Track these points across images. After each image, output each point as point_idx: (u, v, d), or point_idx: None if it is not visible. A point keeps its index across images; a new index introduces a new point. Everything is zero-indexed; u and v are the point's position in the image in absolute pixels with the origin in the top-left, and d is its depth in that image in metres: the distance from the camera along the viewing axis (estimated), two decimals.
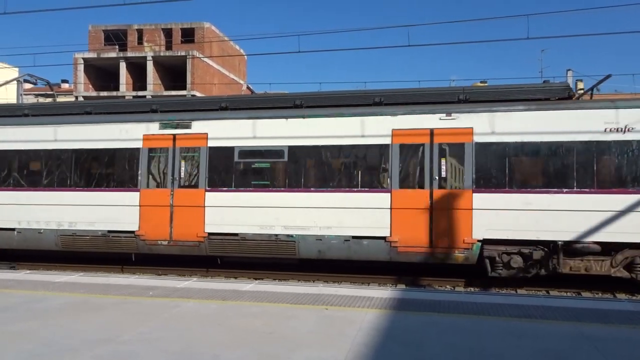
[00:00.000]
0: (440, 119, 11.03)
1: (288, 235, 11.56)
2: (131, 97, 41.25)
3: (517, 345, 5.59)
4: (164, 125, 12.47)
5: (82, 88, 44.63)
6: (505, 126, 10.71)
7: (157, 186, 12.42)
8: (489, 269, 10.90)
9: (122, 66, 44.36)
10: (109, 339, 5.72)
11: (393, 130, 11.25)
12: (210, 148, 12.14)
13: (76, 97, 43.63)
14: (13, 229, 13.06)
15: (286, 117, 11.79)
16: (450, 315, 6.90)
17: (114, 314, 6.89)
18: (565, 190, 10.39)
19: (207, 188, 12.05)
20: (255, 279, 12.21)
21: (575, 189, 10.35)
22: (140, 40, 46.62)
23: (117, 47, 46.55)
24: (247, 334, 5.95)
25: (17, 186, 13.14)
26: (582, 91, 15.29)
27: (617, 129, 10.29)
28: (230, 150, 12.02)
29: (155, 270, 13.16)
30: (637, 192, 10.16)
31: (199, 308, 7.24)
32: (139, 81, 44.98)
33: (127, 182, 12.52)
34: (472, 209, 10.70)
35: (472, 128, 10.87)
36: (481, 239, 10.68)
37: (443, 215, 10.84)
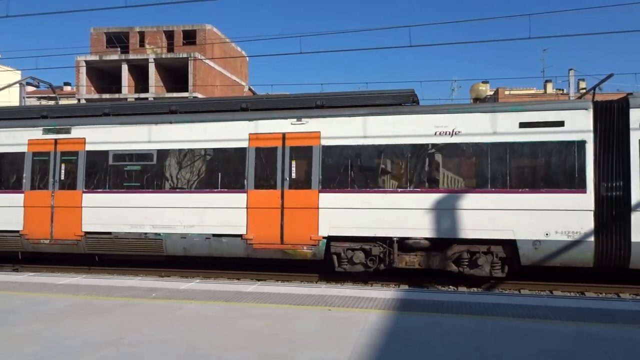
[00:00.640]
0: (292, 124, 11.81)
1: (156, 234, 12.35)
2: (133, 99, 41.32)
3: (521, 345, 5.58)
4: (46, 131, 13.33)
5: (85, 91, 44.71)
6: (348, 130, 11.47)
7: (40, 188, 13.22)
8: (336, 264, 11.68)
9: (124, 68, 44.45)
10: (113, 341, 5.72)
11: (250, 134, 12.02)
12: (88, 152, 12.97)
13: (78, 100, 43.73)
14: None
15: (155, 123, 12.59)
16: (453, 315, 6.89)
17: (118, 315, 6.90)
18: (399, 190, 11.18)
19: (84, 190, 12.88)
20: (258, 280, 12.26)
21: (408, 189, 11.12)
22: (142, 43, 46.70)
23: (119, 49, 46.62)
24: (251, 336, 5.96)
25: None
26: (584, 90, 15.28)
27: (446, 132, 10.98)
28: (105, 154, 12.82)
29: (158, 272, 13.22)
30: (465, 191, 10.89)
31: (202, 309, 7.25)
32: (141, 83, 45.08)
33: (13, 184, 13.34)
34: (318, 208, 11.46)
35: (319, 132, 11.64)
36: (326, 235, 11.44)
37: (293, 214, 11.60)
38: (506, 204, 10.59)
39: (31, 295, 8.26)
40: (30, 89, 25.74)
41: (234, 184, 11.96)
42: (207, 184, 12.11)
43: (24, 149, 13.32)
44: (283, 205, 11.63)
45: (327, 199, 11.42)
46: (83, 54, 44.91)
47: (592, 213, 10.25)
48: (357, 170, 11.37)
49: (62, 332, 6.11)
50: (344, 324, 6.45)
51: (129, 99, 42.12)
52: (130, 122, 12.75)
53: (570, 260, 10.45)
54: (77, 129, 13.06)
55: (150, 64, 43.70)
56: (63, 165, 13.02)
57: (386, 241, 11.26)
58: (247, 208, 11.80)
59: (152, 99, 40.60)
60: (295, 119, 11.77)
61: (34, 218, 13.07)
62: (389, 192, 11.18)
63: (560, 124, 10.50)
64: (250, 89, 54.69)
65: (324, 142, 11.56)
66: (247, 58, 56.04)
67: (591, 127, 10.39)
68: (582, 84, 39.27)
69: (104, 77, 46.87)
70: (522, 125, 10.65)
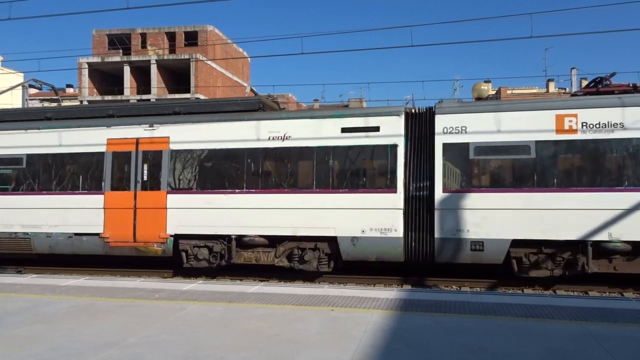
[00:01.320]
0: (145, 130, 12.69)
1: (24, 233, 13.22)
2: (135, 101, 41.38)
3: (524, 344, 5.56)
4: None
5: (87, 92, 44.80)
6: (194, 136, 12.30)
7: None
8: (185, 260, 12.43)
9: (126, 70, 44.48)
10: (115, 343, 5.73)
11: (108, 139, 12.87)
12: None
13: (80, 102, 43.80)
14: None
15: (25, 129, 13.39)
16: (456, 315, 6.88)
17: (120, 317, 6.91)
18: (237, 191, 11.92)
19: None
20: (261, 280, 12.26)
21: (244, 190, 11.87)
22: (144, 44, 46.73)
23: (121, 51, 46.65)
24: (253, 336, 5.95)
25: None
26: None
27: (279, 137, 11.80)
28: None
29: (160, 273, 13.24)
30: (293, 191, 11.57)
31: (204, 310, 7.25)
32: (143, 85, 45.13)
33: None
34: (166, 208, 12.29)
35: (168, 137, 12.48)
36: (174, 234, 12.25)
37: (144, 214, 12.45)
38: (329, 203, 11.41)
39: (34, 297, 8.28)
40: (32, 91, 25.81)
41: (93, 186, 12.82)
42: (70, 186, 12.97)
43: None
44: (136, 206, 12.52)
45: (174, 200, 12.26)
46: (85, 55, 44.96)
47: (401, 211, 11.05)
48: (201, 172, 12.19)
49: (65, 333, 6.12)
50: (347, 324, 6.45)
51: (131, 101, 42.21)
52: (1, 129, 13.52)
53: (384, 255, 11.22)
54: None
55: (152, 66, 43.72)
56: None
57: (226, 239, 12.05)
58: (104, 209, 12.68)
59: (155, 100, 40.65)
60: (147, 125, 12.66)
61: None
62: (228, 193, 11.96)
63: (376, 129, 11.35)
64: (252, 90, 54.60)
65: (173, 147, 12.43)
66: (249, 59, 56.08)
67: (402, 132, 11.24)
68: (585, 83, 39.16)
69: (106, 78, 46.93)
70: (344, 130, 11.49)
